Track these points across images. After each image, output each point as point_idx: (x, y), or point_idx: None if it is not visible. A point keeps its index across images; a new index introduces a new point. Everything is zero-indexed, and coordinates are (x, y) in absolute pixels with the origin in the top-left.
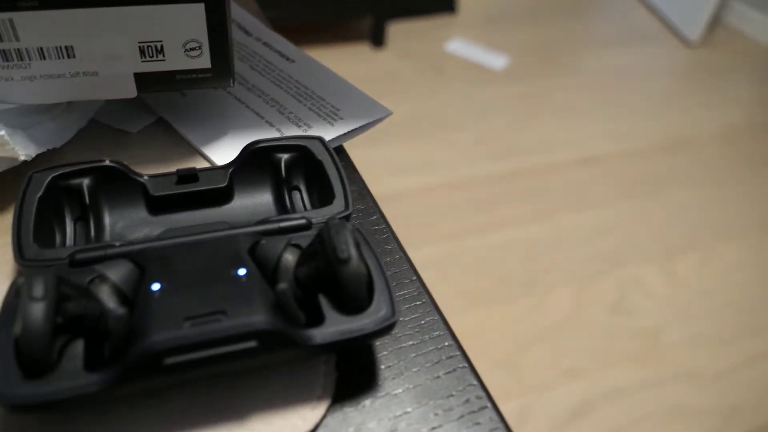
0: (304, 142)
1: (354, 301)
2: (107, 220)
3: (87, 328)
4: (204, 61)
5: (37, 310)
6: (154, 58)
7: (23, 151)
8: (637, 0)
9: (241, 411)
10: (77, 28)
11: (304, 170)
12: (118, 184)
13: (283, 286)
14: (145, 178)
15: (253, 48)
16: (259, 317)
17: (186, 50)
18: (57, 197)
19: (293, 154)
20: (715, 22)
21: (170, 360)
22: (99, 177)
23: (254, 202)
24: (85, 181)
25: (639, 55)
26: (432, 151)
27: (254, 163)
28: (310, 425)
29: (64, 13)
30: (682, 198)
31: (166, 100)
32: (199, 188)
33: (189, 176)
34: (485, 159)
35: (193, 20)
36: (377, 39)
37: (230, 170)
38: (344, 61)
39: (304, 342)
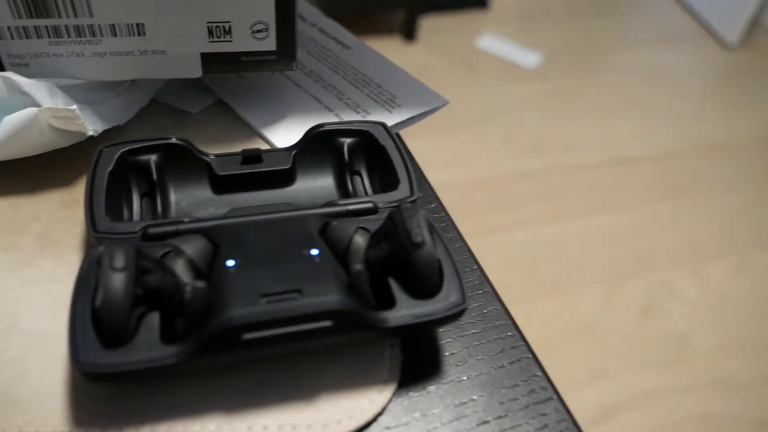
0: (368, 127)
1: (426, 285)
2: (173, 197)
3: (162, 300)
4: (269, 44)
5: (119, 281)
6: (222, 38)
7: (91, 126)
8: (673, 1)
9: (307, 391)
10: (149, 6)
11: (366, 155)
12: (183, 161)
13: (358, 267)
14: (211, 157)
15: (309, 34)
16: (335, 297)
17: (253, 32)
18: (125, 172)
19: (356, 138)
20: (755, 24)
21: (247, 336)
22: (166, 154)
23: (316, 184)
24: (153, 158)
25: (675, 56)
26: (461, 147)
27: (317, 146)
28: (377, 408)
29: None
30: (717, 202)
31: (226, 81)
32: (263, 169)
33: (254, 157)
34: (515, 156)
35: (262, 2)
36: (408, 33)
37: (294, 152)
38: None
39: (378, 324)
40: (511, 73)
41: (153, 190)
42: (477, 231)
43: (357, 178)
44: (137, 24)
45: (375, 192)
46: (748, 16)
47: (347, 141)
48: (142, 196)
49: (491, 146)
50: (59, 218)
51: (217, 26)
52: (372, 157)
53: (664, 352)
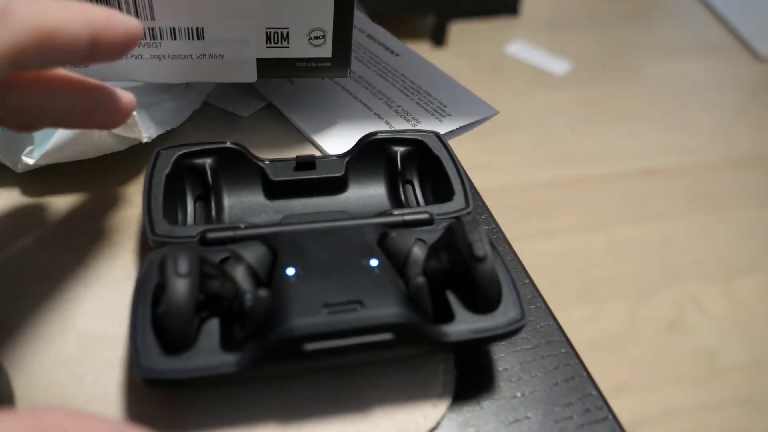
0: (421, 137)
1: (486, 300)
2: (226, 201)
3: (223, 307)
4: (325, 50)
5: (183, 286)
6: (279, 44)
7: (146, 132)
8: (707, 10)
9: (362, 404)
10: (210, 11)
11: (419, 164)
12: (238, 166)
13: (420, 279)
14: (266, 162)
15: (357, 39)
16: (396, 309)
17: (310, 38)
18: (181, 175)
19: (409, 147)
20: None
21: (309, 346)
22: (221, 158)
23: (367, 193)
24: (208, 161)
25: (706, 67)
26: (488, 153)
27: (370, 154)
28: (432, 423)
29: None
30: (748, 217)
31: (277, 86)
32: (317, 176)
33: (308, 163)
34: (543, 164)
35: (321, 9)
36: (438, 38)
37: (347, 159)
38: None
39: (438, 338)
40: (540, 81)
41: (207, 194)
42: None
43: (409, 188)
44: (197, 28)
45: (427, 202)
46: None
47: (400, 150)
48: (195, 200)
49: (519, 154)
50: (114, 219)
51: (275, 32)
52: (425, 166)
53: (692, 368)
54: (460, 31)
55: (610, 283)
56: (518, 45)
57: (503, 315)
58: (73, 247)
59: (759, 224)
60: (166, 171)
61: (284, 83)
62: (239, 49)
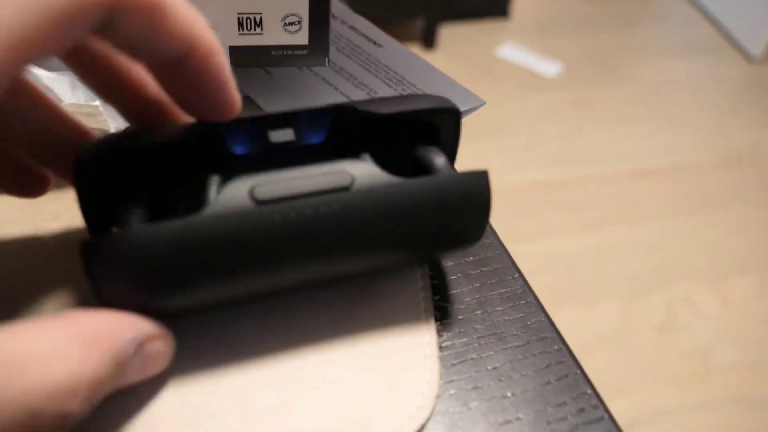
0: (434, 119)
1: None
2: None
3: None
4: (302, 37)
5: None
6: (252, 31)
7: (114, 123)
8: (697, 10)
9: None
10: None
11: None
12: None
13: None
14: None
15: (339, 31)
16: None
17: (285, 24)
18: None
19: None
20: None
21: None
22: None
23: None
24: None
25: (697, 67)
26: (480, 156)
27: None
28: (417, 425)
29: None
30: (739, 216)
31: (252, 77)
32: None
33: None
34: (534, 166)
35: None
36: (428, 41)
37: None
38: None
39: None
40: (531, 83)
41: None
42: None
43: None
44: None
45: None
46: None
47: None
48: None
49: (511, 155)
50: (79, 218)
51: (247, 18)
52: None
53: (685, 368)
54: (450, 34)
55: (602, 284)
56: (509, 47)
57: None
58: (37, 247)
59: (749, 223)
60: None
61: (261, 74)
62: None
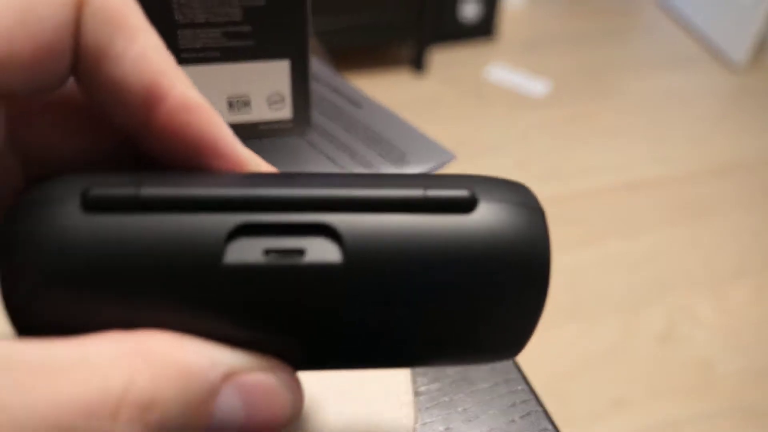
0: None
1: None
2: None
3: None
4: (285, 113)
5: None
6: (241, 111)
7: None
8: (679, 25)
9: None
10: None
11: None
12: None
13: None
14: None
15: (323, 94)
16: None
17: (270, 103)
18: None
19: None
20: (761, 44)
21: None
22: None
23: None
24: None
25: (683, 79)
26: None
27: None
28: None
29: None
30: (732, 224)
31: (244, 142)
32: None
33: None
34: (527, 183)
35: (278, 75)
36: (418, 65)
37: None
38: (386, 87)
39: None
40: (520, 102)
41: None
42: None
43: None
44: None
45: None
46: (755, 37)
47: None
48: None
49: (503, 173)
50: None
51: (237, 100)
52: None
53: (687, 379)
54: (441, 57)
55: (601, 298)
56: (498, 68)
57: None
58: None
59: (742, 230)
60: None
61: (251, 140)
62: None
